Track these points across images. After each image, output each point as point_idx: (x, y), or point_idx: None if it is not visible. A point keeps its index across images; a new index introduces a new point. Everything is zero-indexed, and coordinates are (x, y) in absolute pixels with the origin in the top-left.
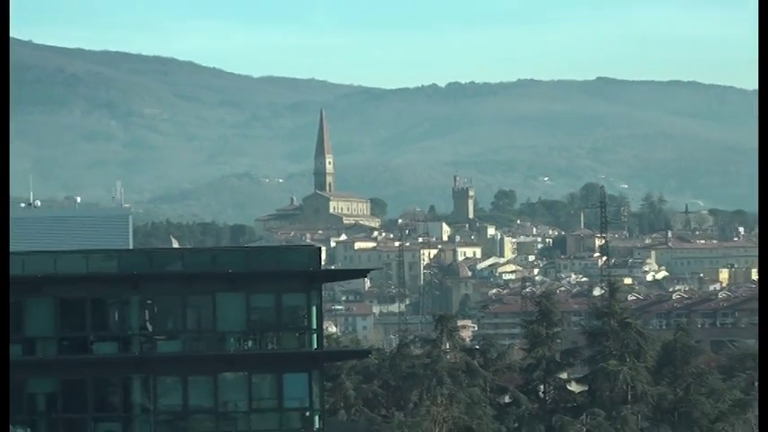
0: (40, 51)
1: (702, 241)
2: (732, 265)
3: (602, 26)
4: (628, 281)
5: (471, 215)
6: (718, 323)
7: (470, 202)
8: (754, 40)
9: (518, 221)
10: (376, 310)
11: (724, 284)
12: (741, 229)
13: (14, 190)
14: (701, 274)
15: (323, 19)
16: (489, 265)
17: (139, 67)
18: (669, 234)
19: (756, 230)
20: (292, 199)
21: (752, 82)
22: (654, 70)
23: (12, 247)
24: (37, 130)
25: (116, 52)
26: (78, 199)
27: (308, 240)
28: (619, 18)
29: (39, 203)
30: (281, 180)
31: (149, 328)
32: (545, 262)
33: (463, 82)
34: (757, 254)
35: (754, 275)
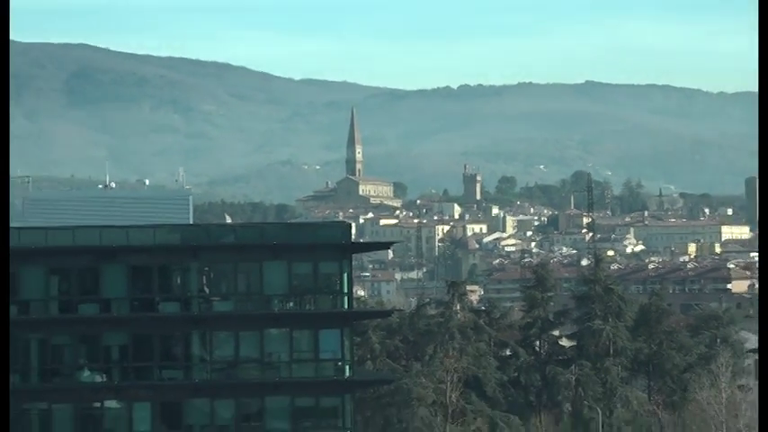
0: (115, 57)
1: (674, 220)
2: (699, 241)
3: (590, 37)
4: (610, 253)
5: (479, 197)
6: (686, 289)
7: (478, 186)
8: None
9: (518, 203)
10: (398, 276)
11: (692, 257)
12: (706, 210)
13: (93, 174)
14: (673, 248)
15: (355, 30)
16: (493, 239)
17: (199, 70)
18: (645, 214)
19: (720, 211)
20: (327, 183)
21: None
22: (633, 75)
23: (90, 222)
24: (112, 123)
25: (179, 58)
26: (147, 182)
27: (341, 218)
28: (604, 30)
29: (114, 185)
30: (317, 167)
31: (206, 290)
32: (541, 237)
33: (472, 84)
34: (721, 231)
35: (717, 249)
